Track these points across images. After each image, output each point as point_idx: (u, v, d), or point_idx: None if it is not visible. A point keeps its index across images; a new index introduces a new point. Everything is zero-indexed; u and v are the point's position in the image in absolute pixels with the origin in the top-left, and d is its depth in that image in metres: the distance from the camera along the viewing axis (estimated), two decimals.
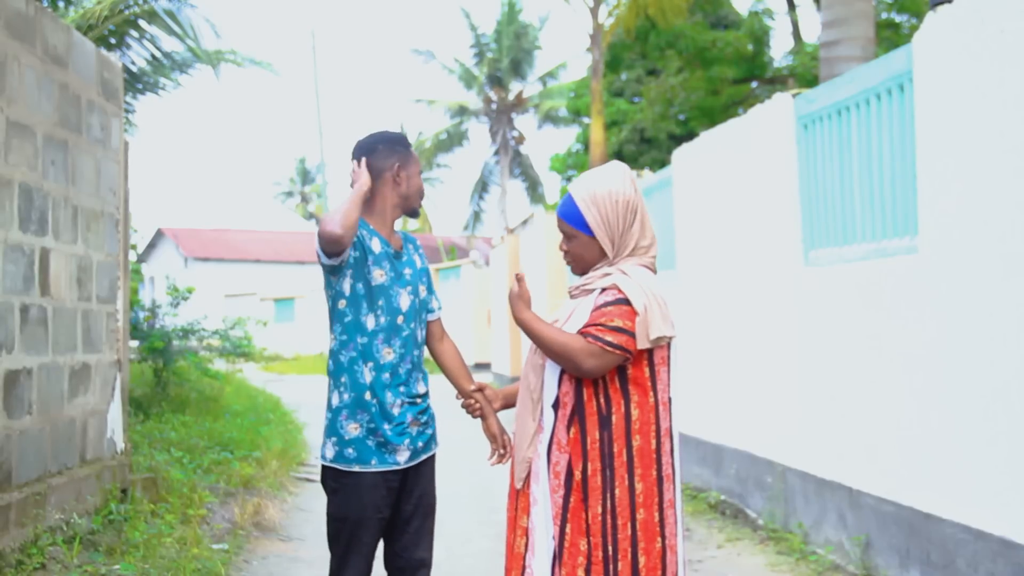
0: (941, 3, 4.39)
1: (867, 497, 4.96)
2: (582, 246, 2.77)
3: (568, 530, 2.69)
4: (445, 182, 48.00)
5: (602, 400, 2.69)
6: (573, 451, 2.70)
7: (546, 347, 2.71)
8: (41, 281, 4.93)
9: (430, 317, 3.41)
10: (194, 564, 4.80)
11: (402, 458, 3.19)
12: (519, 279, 2.84)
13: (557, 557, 2.70)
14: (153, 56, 10.39)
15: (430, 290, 3.41)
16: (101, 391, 5.74)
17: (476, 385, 3.22)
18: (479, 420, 3.21)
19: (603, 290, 2.72)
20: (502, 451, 3.15)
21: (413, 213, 3.34)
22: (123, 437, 6.06)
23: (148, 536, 5.06)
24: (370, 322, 3.18)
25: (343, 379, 3.18)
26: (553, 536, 2.72)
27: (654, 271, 2.79)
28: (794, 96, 5.88)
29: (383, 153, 3.26)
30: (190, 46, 9.99)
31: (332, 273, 3.19)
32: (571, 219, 2.76)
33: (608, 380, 2.69)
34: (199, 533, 5.41)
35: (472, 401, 3.21)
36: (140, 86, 10.59)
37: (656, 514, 2.70)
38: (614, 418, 2.68)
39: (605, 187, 2.73)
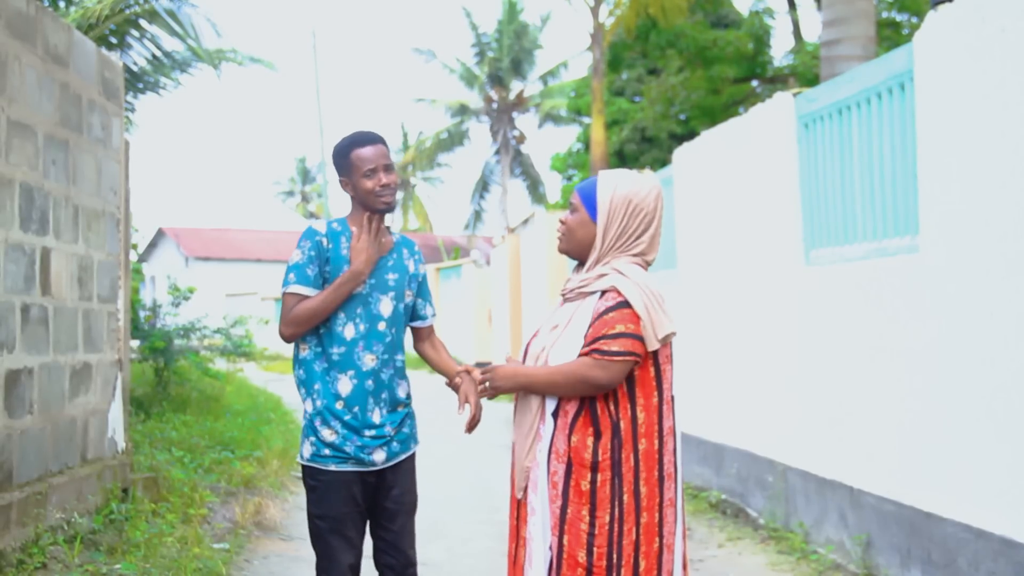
0: (942, 2, 4.39)
1: (868, 496, 4.95)
2: (579, 223, 2.80)
3: (566, 542, 2.66)
4: (446, 181, 48.09)
5: (612, 407, 2.68)
6: (579, 461, 2.67)
7: (557, 387, 2.70)
8: (42, 281, 4.93)
9: (420, 324, 3.42)
10: (195, 563, 4.80)
11: (379, 458, 3.22)
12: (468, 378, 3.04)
13: (555, 568, 2.67)
14: (154, 55, 10.39)
15: (422, 296, 3.41)
16: (102, 390, 5.74)
17: (464, 368, 3.20)
18: (478, 423, 3.20)
19: (602, 294, 2.71)
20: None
21: (382, 212, 3.25)
22: (124, 436, 6.06)
23: (149, 535, 5.06)
24: (349, 331, 3.19)
25: (316, 387, 3.21)
26: (551, 547, 2.69)
27: (645, 268, 2.80)
28: (795, 95, 5.87)
29: (336, 166, 3.29)
30: (191, 45, 9.98)
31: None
32: (585, 196, 2.80)
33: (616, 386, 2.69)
34: (200, 532, 5.41)
35: (458, 380, 3.15)
36: (141, 85, 10.58)
37: (656, 515, 2.70)
38: (622, 423, 2.67)
39: (628, 188, 2.76)
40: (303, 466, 3.25)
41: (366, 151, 3.22)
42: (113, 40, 9.68)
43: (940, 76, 4.33)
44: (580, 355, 2.67)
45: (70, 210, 5.28)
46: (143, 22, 9.70)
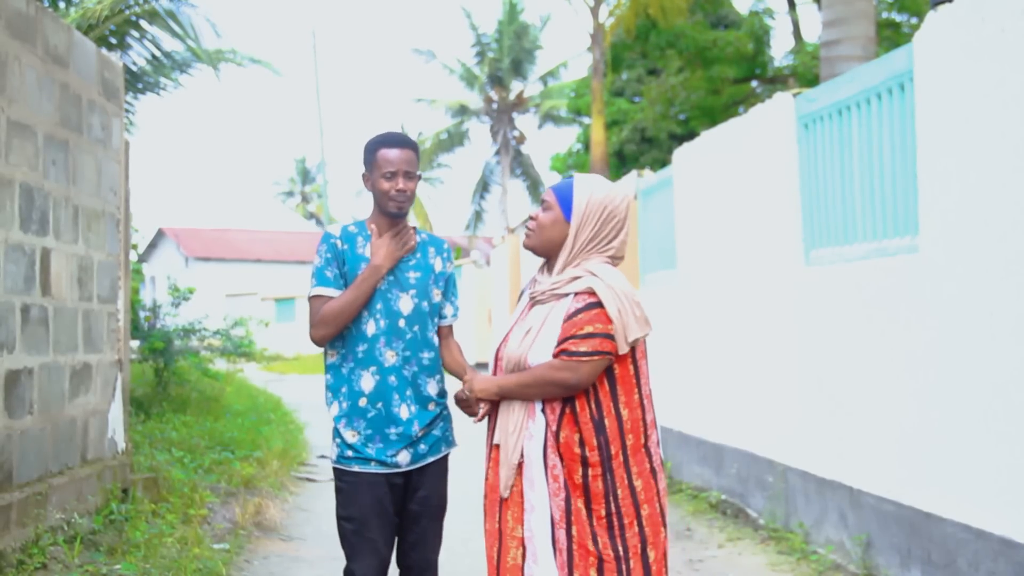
0: (942, 2, 4.39)
1: (868, 496, 4.96)
2: (552, 221, 2.82)
3: (575, 532, 2.69)
4: (446, 182, 47.87)
5: (593, 405, 2.71)
6: (569, 456, 2.71)
7: (529, 390, 2.74)
8: (42, 281, 4.93)
9: (440, 323, 3.41)
10: (195, 564, 4.80)
11: (403, 460, 3.22)
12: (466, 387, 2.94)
13: (567, 561, 2.69)
14: (153, 56, 10.39)
15: (447, 296, 3.40)
16: (102, 391, 5.74)
17: (473, 373, 3.20)
18: (481, 422, 3.18)
19: (576, 295, 2.74)
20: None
21: (393, 215, 3.26)
22: (124, 437, 6.06)
23: (149, 536, 5.06)
24: (370, 328, 3.21)
25: (343, 389, 3.24)
26: (558, 540, 2.71)
27: (615, 266, 2.83)
28: (795, 95, 5.88)
29: (363, 160, 3.32)
30: (190, 46, 9.98)
31: None
32: (560, 195, 2.83)
33: (598, 383, 2.72)
34: (200, 533, 5.41)
35: (469, 375, 3.09)
36: (140, 86, 10.59)
37: (657, 505, 2.75)
38: (607, 421, 2.71)
39: (604, 194, 2.81)
40: (332, 468, 3.31)
41: (392, 153, 3.25)
42: (113, 40, 9.68)
43: (940, 76, 4.33)
44: (552, 357, 2.71)
45: (70, 210, 5.28)
46: (143, 22, 9.70)
